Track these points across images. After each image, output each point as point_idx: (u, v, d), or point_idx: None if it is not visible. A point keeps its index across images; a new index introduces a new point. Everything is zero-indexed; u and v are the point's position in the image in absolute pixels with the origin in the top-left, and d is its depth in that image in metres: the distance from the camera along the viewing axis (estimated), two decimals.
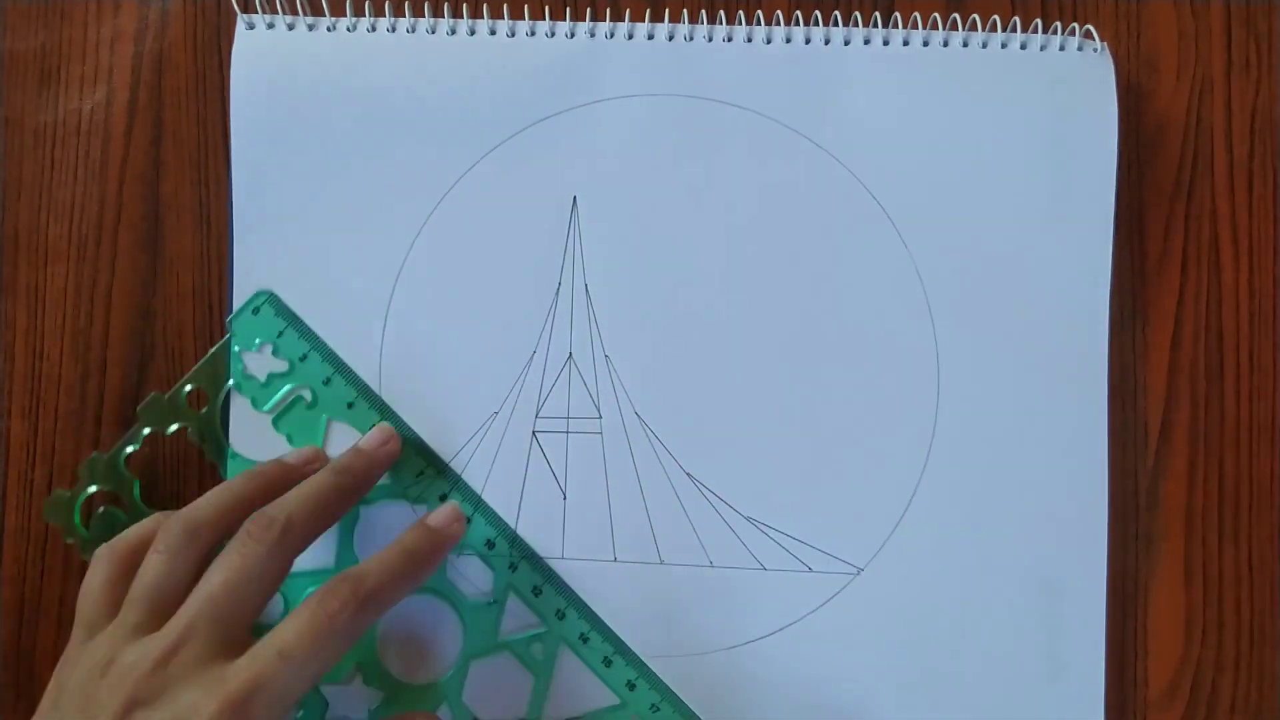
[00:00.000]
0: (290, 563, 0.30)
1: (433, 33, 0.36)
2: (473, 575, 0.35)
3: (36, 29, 0.37)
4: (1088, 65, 0.36)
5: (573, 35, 0.36)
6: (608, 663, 0.34)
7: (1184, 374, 0.37)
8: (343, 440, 0.35)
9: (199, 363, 0.35)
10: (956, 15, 0.36)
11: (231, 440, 0.35)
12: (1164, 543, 0.37)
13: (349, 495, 0.33)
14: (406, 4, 0.36)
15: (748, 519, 0.35)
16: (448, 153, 0.36)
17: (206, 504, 0.30)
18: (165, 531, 0.29)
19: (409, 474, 0.35)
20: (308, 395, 0.35)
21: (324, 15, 0.36)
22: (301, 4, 0.36)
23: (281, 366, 0.35)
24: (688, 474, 0.35)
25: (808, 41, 0.36)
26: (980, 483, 0.35)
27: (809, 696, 0.35)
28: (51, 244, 0.37)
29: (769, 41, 0.36)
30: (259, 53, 0.36)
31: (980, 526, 0.35)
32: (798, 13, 0.37)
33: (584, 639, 0.34)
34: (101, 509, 0.35)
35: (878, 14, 0.36)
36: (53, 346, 0.37)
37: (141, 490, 0.36)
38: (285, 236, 0.36)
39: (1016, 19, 0.36)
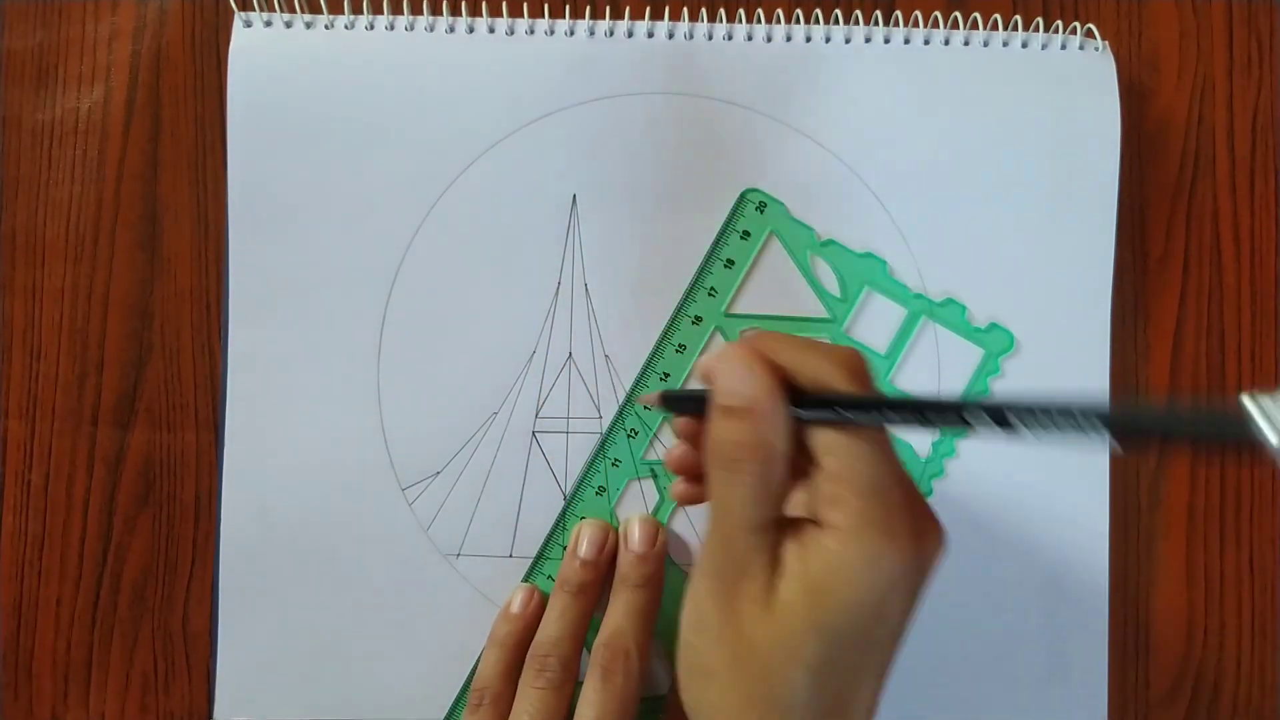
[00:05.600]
0: (640, 688, 0.32)
1: (432, 31, 0.36)
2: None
3: (34, 27, 0.37)
4: (1089, 65, 0.36)
5: (573, 34, 0.36)
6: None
7: (1185, 373, 0.37)
8: None
9: None
10: (957, 14, 0.36)
11: None
12: (1165, 543, 0.37)
13: (659, 602, 0.34)
14: (406, 3, 0.36)
15: None
16: (446, 151, 0.36)
17: (561, 631, 0.33)
18: (540, 669, 0.33)
19: None
20: None
21: (322, 14, 0.36)
22: (299, 2, 0.36)
23: None
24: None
25: (808, 40, 0.36)
26: (981, 483, 0.35)
27: None
28: (49, 243, 0.37)
29: (769, 40, 0.36)
30: (256, 51, 0.36)
31: (982, 527, 0.35)
32: (798, 12, 0.37)
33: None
34: None
35: (878, 13, 0.36)
36: (50, 346, 0.37)
37: (140, 490, 0.36)
38: (282, 236, 0.36)
39: (1017, 18, 0.36)
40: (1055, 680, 0.35)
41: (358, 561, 0.35)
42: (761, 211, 0.35)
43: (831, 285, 0.35)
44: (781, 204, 0.35)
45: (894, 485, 0.25)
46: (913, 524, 0.25)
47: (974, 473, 0.35)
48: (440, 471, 0.35)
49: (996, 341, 0.35)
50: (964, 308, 0.35)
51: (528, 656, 0.33)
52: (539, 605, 0.34)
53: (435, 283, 0.36)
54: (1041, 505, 0.35)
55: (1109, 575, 0.36)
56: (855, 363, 0.26)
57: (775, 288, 0.36)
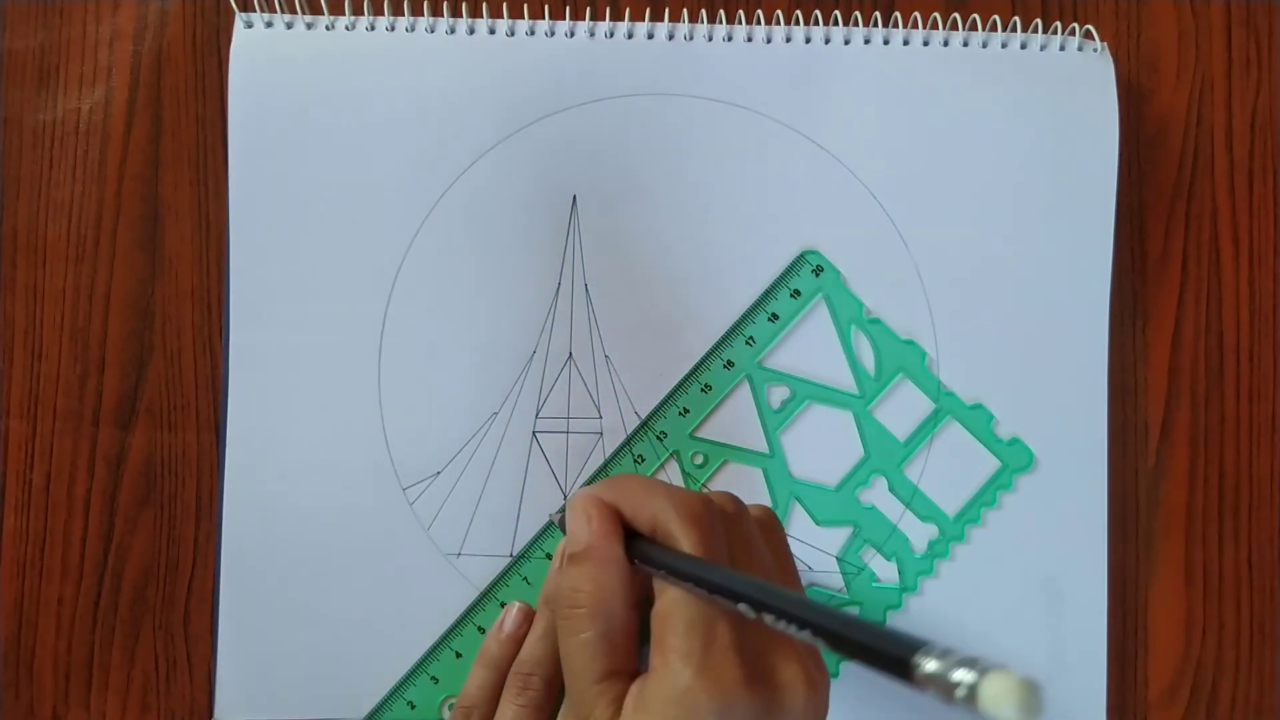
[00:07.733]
0: None
1: (432, 32, 0.36)
2: None
3: (35, 28, 0.37)
4: (1088, 65, 0.36)
5: (573, 35, 0.36)
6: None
7: (1184, 373, 0.37)
8: None
9: None
10: (956, 15, 0.36)
11: None
12: (1164, 542, 0.37)
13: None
14: (406, 4, 0.36)
15: None
16: (447, 152, 0.36)
17: (545, 651, 0.32)
18: (523, 687, 0.32)
19: None
20: None
21: (323, 14, 0.36)
22: (300, 3, 0.36)
23: None
24: (687, 474, 0.35)
25: (808, 41, 0.36)
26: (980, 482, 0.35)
27: None
28: (50, 243, 0.37)
29: (769, 41, 0.36)
30: (257, 52, 0.36)
31: (981, 527, 0.35)
32: (798, 12, 0.37)
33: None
34: None
35: (878, 14, 0.36)
36: (51, 346, 0.37)
37: (141, 490, 0.36)
38: (283, 236, 0.36)
39: (1016, 19, 0.36)
40: (1054, 679, 0.35)
41: (358, 561, 0.35)
42: (816, 275, 0.35)
43: (868, 361, 0.35)
44: (838, 271, 0.35)
45: (717, 622, 0.25)
46: (744, 665, 0.25)
47: (971, 470, 0.35)
48: (440, 471, 0.35)
49: (1016, 457, 0.35)
50: (991, 416, 0.35)
51: (510, 673, 0.33)
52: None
53: (436, 283, 0.36)
54: (1040, 504, 0.35)
55: (1107, 574, 0.36)
56: (696, 510, 0.27)
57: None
